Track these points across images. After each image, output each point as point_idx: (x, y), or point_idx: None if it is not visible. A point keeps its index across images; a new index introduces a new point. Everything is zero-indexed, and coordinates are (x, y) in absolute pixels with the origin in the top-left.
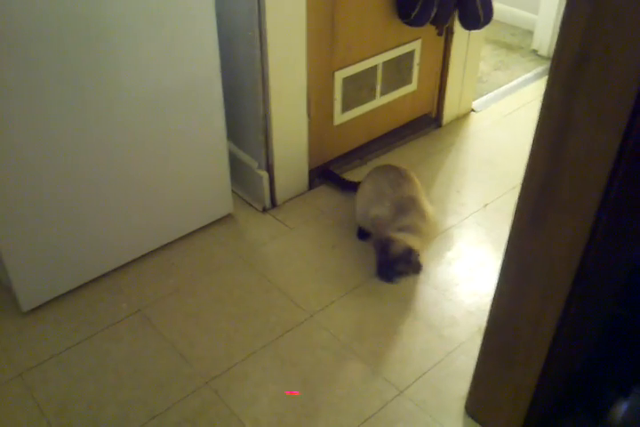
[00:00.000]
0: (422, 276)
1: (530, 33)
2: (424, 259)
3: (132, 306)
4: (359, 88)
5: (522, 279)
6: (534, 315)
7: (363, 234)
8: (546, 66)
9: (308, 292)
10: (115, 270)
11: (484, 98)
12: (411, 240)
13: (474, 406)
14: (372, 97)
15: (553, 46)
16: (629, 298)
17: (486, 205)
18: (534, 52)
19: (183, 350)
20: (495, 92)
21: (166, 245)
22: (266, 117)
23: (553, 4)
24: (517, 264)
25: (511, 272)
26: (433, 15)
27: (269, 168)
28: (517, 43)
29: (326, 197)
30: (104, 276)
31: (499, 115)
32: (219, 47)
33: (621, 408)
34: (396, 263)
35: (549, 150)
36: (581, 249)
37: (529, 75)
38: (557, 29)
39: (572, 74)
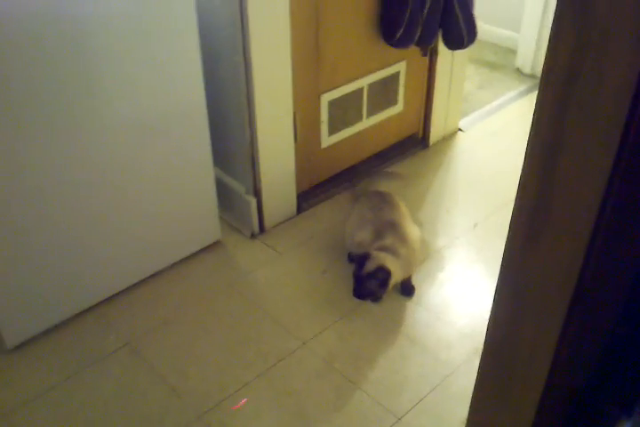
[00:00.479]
0: (415, 298)
1: (512, 51)
2: (415, 282)
3: (121, 339)
4: (345, 110)
5: (517, 301)
6: (531, 337)
7: (353, 258)
8: (530, 84)
9: (300, 318)
10: (102, 302)
11: (470, 117)
12: (390, 261)
13: None
14: (359, 119)
15: (536, 64)
16: (629, 316)
17: (476, 224)
18: (517, 70)
19: (174, 383)
20: (480, 110)
21: (154, 274)
22: (252, 142)
23: (535, 23)
24: (512, 285)
25: (506, 294)
26: (417, 36)
27: (257, 193)
28: (500, 61)
29: (315, 220)
30: (91, 308)
31: (485, 133)
32: (203, 72)
33: None
34: (367, 280)
35: (541, 168)
36: (578, 268)
37: (513, 93)
38: (540, 47)
39: (562, 90)
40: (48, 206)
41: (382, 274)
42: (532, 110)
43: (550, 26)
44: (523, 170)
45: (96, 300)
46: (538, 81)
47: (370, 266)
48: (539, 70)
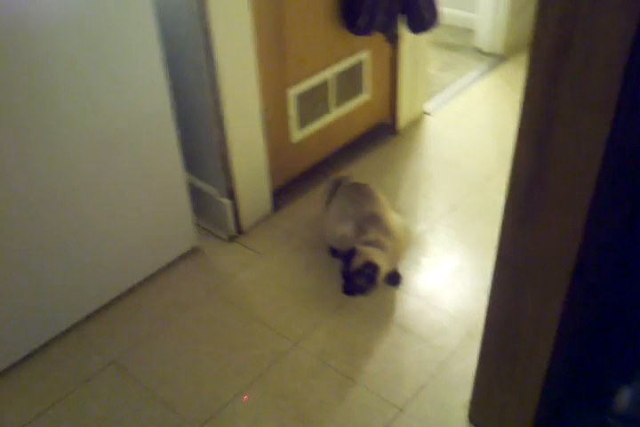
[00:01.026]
0: (403, 286)
1: (469, 31)
2: (401, 269)
3: (105, 358)
4: (313, 103)
5: (517, 280)
6: (534, 314)
7: (335, 251)
8: (490, 62)
9: (289, 319)
10: (81, 322)
11: (435, 100)
12: (377, 255)
13: (478, 414)
14: (327, 111)
15: (494, 43)
16: (622, 286)
17: (454, 206)
18: (477, 49)
19: (167, 398)
20: (445, 93)
21: (133, 287)
22: (222, 142)
23: (491, 2)
24: (511, 265)
25: (505, 274)
26: (380, 22)
27: (231, 194)
28: (459, 42)
29: (292, 217)
30: (70, 329)
31: (452, 115)
32: (166, 74)
33: (625, 396)
34: (355, 276)
35: (534, 144)
36: (578, 242)
37: (475, 73)
38: (497, 26)
39: (553, 62)
40: (17, 223)
41: (370, 270)
42: (496, 88)
43: (506, 5)
44: (515, 146)
45: (75, 319)
46: (498, 59)
47: (357, 262)
48: (497, 48)
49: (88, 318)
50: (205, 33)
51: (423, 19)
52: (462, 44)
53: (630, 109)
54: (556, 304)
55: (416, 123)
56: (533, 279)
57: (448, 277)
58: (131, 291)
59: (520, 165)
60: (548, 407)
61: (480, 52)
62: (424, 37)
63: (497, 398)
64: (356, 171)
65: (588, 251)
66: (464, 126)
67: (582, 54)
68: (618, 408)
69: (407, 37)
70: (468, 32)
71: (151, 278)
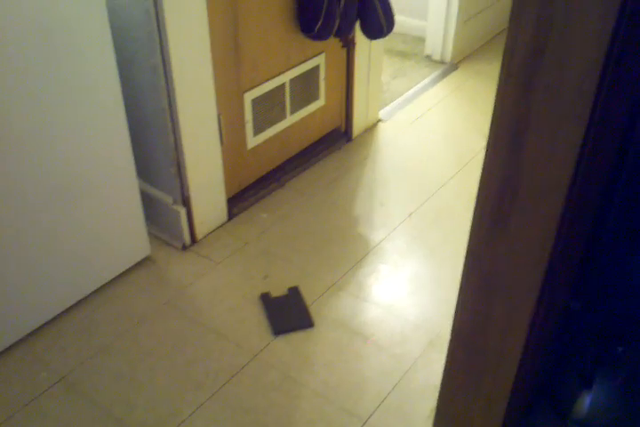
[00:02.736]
0: (363, 294)
1: (420, 39)
2: (361, 277)
3: (54, 374)
4: (269, 108)
5: (487, 287)
6: (503, 323)
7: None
8: (441, 70)
9: (247, 330)
10: (28, 336)
11: (389, 107)
12: None
13: (443, 423)
14: (283, 116)
15: (445, 50)
16: (583, 290)
17: (411, 213)
18: (428, 57)
19: (121, 415)
20: (398, 100)
21: (83, 299)
22: (177, 148)
23: (441, 10)
24: (481, 272)
25: (474, 281)
26: (336, 27)
27: (185, 202)
28: (410, 50)
29: (248, 224)
30: (16, 344)
31: (405, 122)
32: (119, 78)
33: (585, 401)
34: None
35: (507, 150)
36: (549, 250)
37: (427, 80)
38: (447, 34)
39: (526, 67)
40: None
41: None
42: (447, 95)
43: (455, 13)
44: (487, 152)
45: (21, 334)
46: (448, 66)
47: None
48: (448, 56)
49: (35, 332)
50: (160, 36)
51: (379, 24)
52: (414, 51)
53: (604, 117)
54: (525, 312)
55: (370, 129)
56: (504, 287)
57: (407, 285)
58: (81, 303)
59: (491, 173)
60: (515, 415)
61: (431, 59)
62: (379, 44)
63: (463, 407)
64: (312, 178)
65: (558, 258)
66: (417, 133)
67: (556, 62)
68: (578, 413)
69: (362, 44)
70: (419, 40)
71: (102, 290)
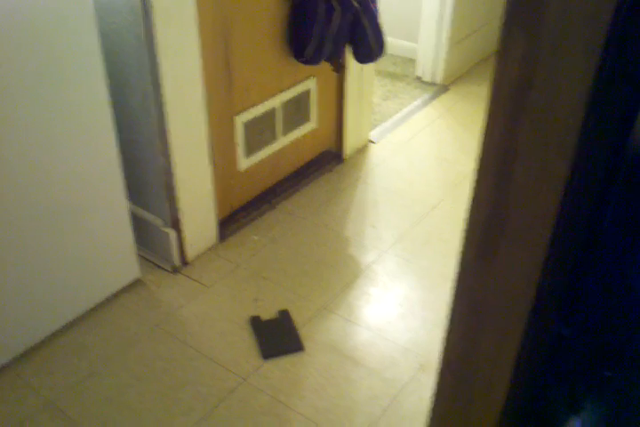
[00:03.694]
0: (353, 317)
1: (411, 61)
2: (350, 300)
3: (42, 399)
4: (260, 131)
5: (475, 315)
6: (492, 351)
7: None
8: (431, 91)
9: (237, 353)
10: (15, 360)
11: (380, 128)
12: None
13: None
14: (274, 139)
15: (435, 72)
16: (572, 317)
17: (401, 236)
18: (418, 79)
19: None
20: (389, 121)
21: (72, 322)
22: (167, 171)
23: (431, 32)
24: (469, 300)
25: (462, 309)
26: (327, 52)
27: (175, 224)
28: (401, 71)
29: (238, 247)
30: (2, 369)
31: (396, 144)
32: (110, 101)
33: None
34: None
35: (495, 179)
36: (537, 279)
37: (417, 102)
38: (438, 55)
39: (514, 101)
40: None
41: None
42: (438, 117)
43: (446, 35)
44: (476, 180)
45: (8, 358)
46: (439, 88)
47: None
48: (438, 78)
49: (23, 356)
50: (152, 60)
51: (370, 49)
52: (405, 73)
53: (591, 150)
54: (514, 340)
55: (361, 151)
56: (492, 315)
57: (397, 308)
58: (70, 326)
59: (479, 202)
60: None
61: (421, 81)
62: (370, 67)
63: None
64: (303, 199)
65: (547, 287)
66: (408, 155)
67: (543, 95)
68: None
69: (353, 67)
70: (410, 61)
71: (91, 313)
